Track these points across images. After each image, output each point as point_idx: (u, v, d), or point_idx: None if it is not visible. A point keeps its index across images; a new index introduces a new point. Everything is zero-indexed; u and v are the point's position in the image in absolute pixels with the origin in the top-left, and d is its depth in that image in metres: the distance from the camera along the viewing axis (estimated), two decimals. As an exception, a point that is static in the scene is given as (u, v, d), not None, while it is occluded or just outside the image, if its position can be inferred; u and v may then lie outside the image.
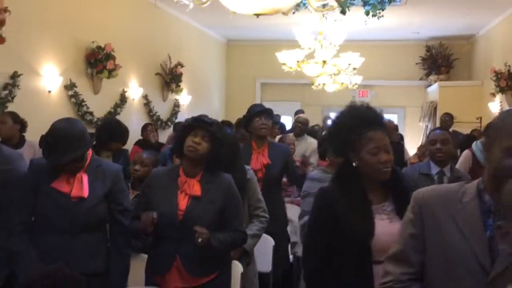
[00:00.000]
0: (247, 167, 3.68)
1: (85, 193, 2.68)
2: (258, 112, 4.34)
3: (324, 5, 2.65)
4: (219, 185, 2.83)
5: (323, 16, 6.89)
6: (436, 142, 3.64)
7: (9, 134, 4.56)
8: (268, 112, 4.37)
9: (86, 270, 2.45)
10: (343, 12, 6.76)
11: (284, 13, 2.88)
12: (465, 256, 1.60)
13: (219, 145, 2.81)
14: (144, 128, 6.71)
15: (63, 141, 2.63)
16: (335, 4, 2.64)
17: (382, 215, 2.32)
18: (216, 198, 2.79)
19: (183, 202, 2.76)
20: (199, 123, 2.82)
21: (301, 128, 6.16)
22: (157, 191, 2.82)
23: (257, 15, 2.76)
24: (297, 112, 7.73)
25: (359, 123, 2.32)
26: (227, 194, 2.84)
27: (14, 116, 4.61)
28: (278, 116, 10.03)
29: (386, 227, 2.28)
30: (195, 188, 2.78)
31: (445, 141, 3.64)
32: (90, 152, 2.80)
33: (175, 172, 2.85)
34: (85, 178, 2.70)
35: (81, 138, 2.70)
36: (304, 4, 2.89)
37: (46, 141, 2.69)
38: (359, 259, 2.26)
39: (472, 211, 1.63)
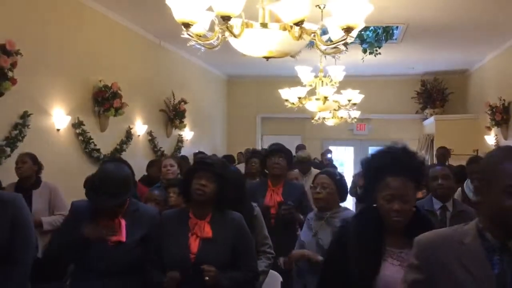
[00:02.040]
0: (253, 204, 3.67)
1: (123, 237, 2.67)
2: (271, 151, 4.38)
3: (333, 48, 2.67)
4: (229, 225, 2.81)
5: (323, 55, 6.97)
6: (437, 178, 3.60)
7: (28, 174, 4.50)
8: (282, 151, 4.39)
9: None
10: (371, 53, 6.96)
11: (292, 56, 2.89)
12: None
13: (224, 184, 2.79)
14: (151, 164, 6.66)
15: (111, 184, 2.62)
16: (343, 47, 2.66)
17: (395, 260, 2.25)
18: (227, 238, 2.76)
19: (194, 245, 2.72)
20: (203, 166, 2.81)
21: (303, 165, 6.08)
22: (168, 234, 2.79)
23: (267, 58, 2.78)
24: (298, 147, 7.72)
25: (381, 166, 2.27)
26: (238, 233, 2.82)
27: (34, 157, 4.57)
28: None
29: (395, 273, 2.20)
30: (206, 230, 2.75)
31: (446, 176, 3.62)
32: None
33: (185, 215, 2.82)
34: (123, 223, 2.68)
35: (127, 183, 2.69)
36: (311, 44, 2.90)
37: (92, 183, 2.67)
38: None
39: (476, 251, 1.63)
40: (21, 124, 4.94)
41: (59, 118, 5.65)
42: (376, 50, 7.59)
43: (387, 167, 2.26)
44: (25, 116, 4.99)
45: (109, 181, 2.64)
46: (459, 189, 4.96)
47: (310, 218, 3.47)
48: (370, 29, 7.37)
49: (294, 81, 7.07)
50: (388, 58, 8.80)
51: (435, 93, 11.05)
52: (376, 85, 10.85)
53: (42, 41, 5.36)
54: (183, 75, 9.45)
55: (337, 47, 2.66)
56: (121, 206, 2.72)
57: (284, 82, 8.02)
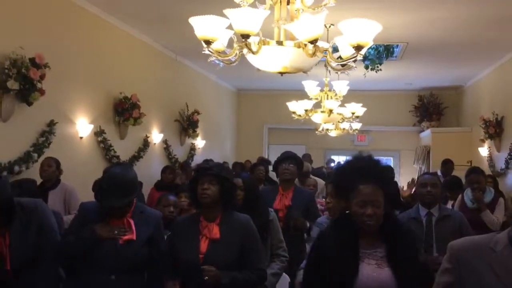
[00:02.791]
0: (270, 209, 3.65)
1: (134, 236, 2.67)
2: (281, 159, 4.43)
3: (342, 65, 2.67)
4: (237, 226, 2.79)
5: (327, 70, 6.99)
6: (426, 185, 3.57)
7: (51, 177, 4.60)
8: (292, 158, 4.41)
9: None
10: (373, 69, 6.99)
11: (304, 72, 2.90)
12: None
13: (227, 184, 2.78)
14: (164, 170, 6.67)
15: (118, 186, 2.62)
16: (352, 64, 2.66)
17: (371, 260, 2.28)
18: (234, 239, 2.74)
19: (203, 246, 2.71)
20: (202, 172, 2.81)
21: (303, 176, 6.01)
22: (181, 237, 2.79)
23: (281, 73, 2.78)
24: (303, 157, 7.69)
25: (355, 175, 2.31)
26: (245, 234, 2.79)
27: (58, 163, 4.67)
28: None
29: (372, 272, 2.24)
30: (214, 232, 2.74)
31: (434, 185, 3.59)
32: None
33: (196, 219, 2.82)
34: (132, 223, 2.68)
35: (134, 184, 2.70)
36: (322, 60, 2.91)
37: (100, 186, 2.68)
38: None
39: (507, 258, 1.61)
40: (48, 132, 4.97)
41: (82, 126, 5.67)
42: (377, 67, 7.59)
43: (358, 175, 2.31)
44: (51, 124, 5.02)
45: (117, 183, 2.64)
46: (459, 197, 4.93)
47: (324, 222, 3.49)
48: (372, 47, 7.38)
49: (300, 94, 7.07)
50: (388, 74, 8.82)
51: (431, 107, 11.03)
52: (376, 99, 10.84)
53: (68, 55, 5.40)
54: (196, 88, 9.48)
55: (347, 64, 2.66)
56: (129, 206, 2.72)
57: (290, 95, 8.03)
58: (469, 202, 4.71)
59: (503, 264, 1.60)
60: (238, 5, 2.60)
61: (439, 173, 7.18)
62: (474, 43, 7.06)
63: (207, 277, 2.56)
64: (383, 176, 2.36)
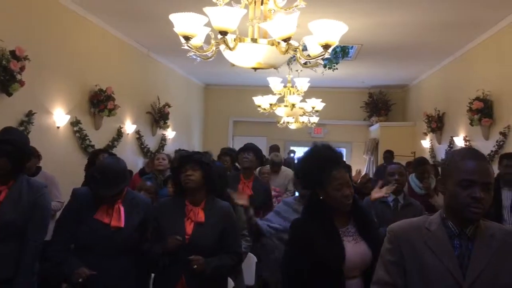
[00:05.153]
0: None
1: (122, 223, 2.62)
2: (241, 149, 4.43)
3: (309, 62, 2.68)
4: (220, 211, 2.79)
5: (289, 68, 7.01)
6: (394, 174, 3.65)
7: (31, 166, 4.32)
8: (251, 149, 4.39)
9: None
10: (330, 68, 7.00)
11: (275, 68, 2.89)
12: (441, 274, 1.62)
13: (209, 168, 2.77)
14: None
15: (111, 175, 2.58)
16: (321, 61, 2.67)
17: (348, 237, 2.31)
18: (217, 223, 2.74)
19: (189, 228, 2.70)
20: (183, 160, 2.79)
21: (276, 166, 6.00)
22: (166, 219, 2.75)
23: (255, 69, 2.76)
24: (272, 147, 7.62)
25: (324, 163, 2.33)
26: (226, 219, 2.80)
27: (36, 151, 4.40)
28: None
29: (353, 248, 2.28)
30: (200, 215, 2.73)
31: (401, 174, 3.68)
32: None
33: (181, 202, 2.78)
34: (122, 209, 2.62)
35: (125, 174, 2.65)
36: (293, 59, 2.90)
37: (93, 176, 2.61)
38: (334, 279, 2.24)
39: (441, 236, 1.67)
40: (26, 122, 4.78)
41: (59, 117, 5.48)
42: (334, 66, 7.68)
43: (329, 162, 2.34)
44: (30, 114, 4.83)
45: (110, 173, 2.60)
46: (406, 184, 5.05)
47: (292, 203, 3.33)
48: (330, 47, 7.43)
49: (264, 89, 7.07)
50: (343, 73, 8.93)
51: (380, 104, 11.25)
52: (332, 95, 10.95)
53: (47, 48, 5.20)
54: (167, 82, 9.33)
55: (316, 61, 2.66)
56: (120, 193, 2.67)
57: (254, 90, 8.02)
58: (418, 189, 4.84)
59: (437, 241, 1.66)
60: (211, 4, 2.54)
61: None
62: (420, 47, 7.24)
63: (195, 266, 2.55)
64: (344, 161, 2.46)
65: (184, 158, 2.79)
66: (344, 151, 11.93)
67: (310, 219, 2.34)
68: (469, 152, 1.69)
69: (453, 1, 5.23)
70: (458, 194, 1.60)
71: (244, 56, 2.67)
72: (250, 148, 4.40)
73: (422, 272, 1.64)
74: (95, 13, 6.07)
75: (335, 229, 2.29)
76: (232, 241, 2.80)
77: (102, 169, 2.62)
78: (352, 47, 7.70)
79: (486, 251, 1.62)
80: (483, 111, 5.91)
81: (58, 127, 5.49)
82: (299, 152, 12.21)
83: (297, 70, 7.12)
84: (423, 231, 1.69)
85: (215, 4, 2.63)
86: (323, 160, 2.35)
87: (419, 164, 5.07)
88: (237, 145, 10.82)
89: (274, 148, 7.32)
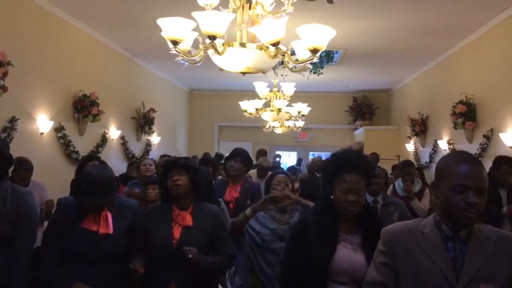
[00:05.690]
0: (220, 199, 3.65)
1: (111, 229, 2.58)
2: (228, 157, 4.41)
3: (295, 67, 2.68)
4: (208, 215, 2.76)
5: (275, 72, 7.03)
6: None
7: (26, 178, 4.21)
8: (237, 155, 4.35)
9: None
10: (315, 73, 6.99)
11: (263, 72, 2.89)
12: (434, 276, 1.62)
13: (195, 172, 2.74)
14: (130, 165, 6.42)
15: (97, 185, 2.52)
16: (310, 66, 2.68)
17: (347, 244, 2.29)
18: (205, 226, 2.71)
19: (177, 232, 2.66)
20: (170, 165, 2.76)
21: (264, 171, 5.94)
22: (154, 224, 2.71)
23: (243, 73, 2.76)
24: (260, 152, 7.58)
25: (339, 165, 2.33)
26: (215, 223, 2.76)
27: (28, 163, 4.27)
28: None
29: (347, 255, 2.26)
30: (187, 219, 2.69)
31: (379, 176, 3.69)
32: None
33: (169, 208, 2.75)
34: (109, 216, 2.58)
35: (113, 183, 2.60)
36: (281, 64, 2.91)
37: (79, 185, 2.55)
38: (319, 278, 2.24)
39: (434, 239, 1.67)
40: (10, 128, 4.70)
41: (43, 123, 5.40)
42: (319, 70, 7.71)
43: (344, 166, 2.32)
44: (13, 120, 4.75)
45: (97, 183, 2.54)
46: (391, 186, 5.09)
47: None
48: (315, 52, 7.46)
49: (249, 94, 7.05)
50: (328, 77, 8.98)
51: (364, 108, 11.35)
52: (317, 99, 10.99)
53: (30, 54, 5.13)
54: (152, 88, 9.26)
55: (305, 66, 2.67)
56: (107, 203, 2.63)
57: (239, 95, 8.02)
58: (400, 191, 4.88)
59: (431, 244, 1.66)
60: (195, 9, 2.52)
61: None
62: (403, 51, 7.33)
63: (190, 255, 2.52)
64: (365, 167, 2.38)
65: (169, 164, 2.77)
66: (329, 155, 11.99)
67: (317, 215, 2.36)
68: (463, 156, 1.68)
69: (435, 7, 5.31)
70: (452, 199, 1.60)
71: (232, 61, 2.66)
72: (237, 154, 4.35)
73: (416, 274, 1.64)
74: (79, 18, 6.01)
75: (334, 230, 2.29)
76: (223, 243, 2.78)
77: (87, 178, 2.57)
78: (336, 52, 7.75)
79: (480, 253, 1.63)
80: (466, 115, 6.00)
81: (41, 133, 5.41)
82: (285, 156, 12.26)
83: (282, 75, 7.15)
84: (417, 233, 1.69)
85: (200, 9, 2.61)
86: (339, 162, 2.35)
87: (403, 166, 5.12)
88: (223, 150, 10.80)
89: (262, 153, 7.30)
